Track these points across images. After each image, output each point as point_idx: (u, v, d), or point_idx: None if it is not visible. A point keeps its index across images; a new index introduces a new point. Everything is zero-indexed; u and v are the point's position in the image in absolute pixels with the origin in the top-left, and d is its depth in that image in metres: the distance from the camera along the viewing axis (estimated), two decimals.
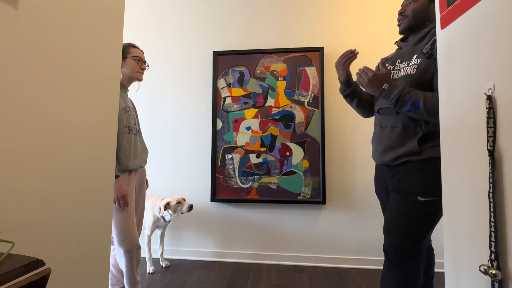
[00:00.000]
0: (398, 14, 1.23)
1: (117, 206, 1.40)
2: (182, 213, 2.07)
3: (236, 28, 2.45)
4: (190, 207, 2.03)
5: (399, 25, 1.23)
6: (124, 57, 1.51)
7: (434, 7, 1.14)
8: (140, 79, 1.58)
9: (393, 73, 1.20)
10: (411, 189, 1.08)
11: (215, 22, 2.47)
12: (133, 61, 1.53)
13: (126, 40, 2.40)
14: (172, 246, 2.39)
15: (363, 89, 1.18)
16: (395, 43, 1.29)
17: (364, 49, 2.32)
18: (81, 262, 0.83)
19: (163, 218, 2.04)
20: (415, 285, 1.06)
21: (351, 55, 1.21)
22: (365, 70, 1.14)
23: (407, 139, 1.11)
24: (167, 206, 2.00)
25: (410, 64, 1.12)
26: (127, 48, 1.54)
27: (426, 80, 1.06)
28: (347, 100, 1.36)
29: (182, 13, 2.51)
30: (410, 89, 1.05)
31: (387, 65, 1.27)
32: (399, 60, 1.19)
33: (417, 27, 1.18)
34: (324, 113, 2.26)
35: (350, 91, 1.31)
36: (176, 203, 2.02)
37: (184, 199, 2.07)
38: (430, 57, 1.06)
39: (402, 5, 1.23)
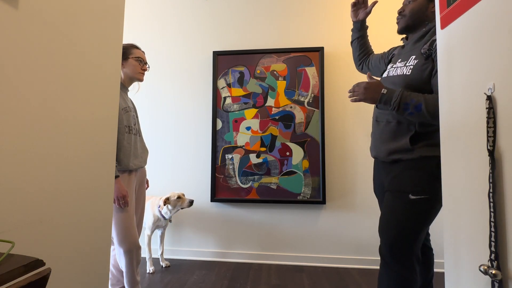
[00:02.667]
0: (398, 13, 1.23)
1: (117, 206, 1.40)
2: (182, 208, 2.07)
3: (236, 28, 2.45)
4: (191, 202, 2.03)
5: (397, 23, 1.24)
6: (126, 57, 1.52)
7: (433, 7, 1.15)
8: (141, 80, 1.59)
9: (391, 70, 1.21)
10: (403, 188, 1.09)
11: (215, 22, 2.47)
12: (135, 62, 1.54)
13: (126, 40, 2.41)
14: (172, 246, 2.39)
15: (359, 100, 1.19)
16: (401, 40, 1.30)
17: None
18: (81, 262, 0.83)
19: (163, 216, 2.03)
20: (411, 285, 1.06)
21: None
22: (356, 85, 1.16)
23: (400, 135, 1.12)
24: (166, 202, 2.00)
25: (407, 65, 1.12)
26: (129, 49, 1.54)
27: (421, 81, 1.06)
28: (353, 37, 1.56)
29: (182, 13, 2.51)
30: (409, 92, 1.05)
31: (391, 63, 1.28)
32: (399, 59, 1.20)
33: (414, 26, 1.18)
34: (324, 113, 2.26)
35: (358, 31, 1.52)
36: (176, 198, 2.01)
37: (184, 195, 2.07)
38: (428, 58, 1.06)
39: (403, 4, 1.24)
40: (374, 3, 1.41)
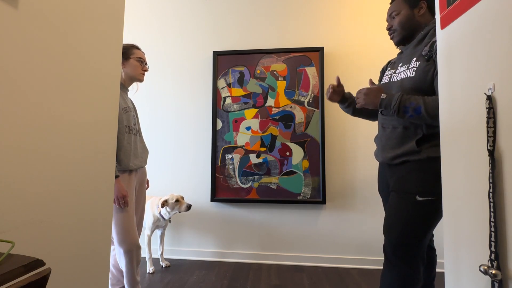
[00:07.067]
0: (387, 30, 1.25)
1: (117, 206, 1.40)
2: (180, 212, 2.07)
3: (236, 28, 2.45)
4: (189, 207, 2.02)
5: (391, 39, 1.25)
6: (127, 57, 1.53)
7: (419, 12, 1.16)
8: (141, 80, 1.60)
9: (394, 76, 1.21)
10: (409, 189, 1.09)
11: (215, 22, 2.47)
12: (136, 62, 1.55)
13: (126, 40, 2.40)
14: (172, 246, 2.39)
15: (361, 106, 1.20)
16: (397, 48, 1.30)
17: (364, 49, 2.32)
18: (81, 262, 0.83)
19: (162, 217, 2.03)
20: (414, 285, 1.06)
21: (331, 90, 1.33)
22: (358, 92, 1.18)
23: (407, 139, 1.11)
24: (164, 204, 2.00)
25: (410, 67, 1.12)
26: (130, 49, 1.55)
27: (426, 82, 1.06)
28: (350, 113, 1.43)
29: (182, 13, 2.51)
30: (409, 96, 1.06)
31: (389, 69, 1.29)
32: (400, 64, 1.20)
33: (410, 35, 1.19)
34: (324, 113, 2.26)
35: (347, 105, 1.39)
36: (175, 201, 2.01)
37: (183, 198, 2.07)
38: (429, 59, 1.06)
39: (387, 21, 1.26)
40: (338, 79, 1.33)
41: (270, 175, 2.30)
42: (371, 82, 1.20)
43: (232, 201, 2.32)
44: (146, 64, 1.60)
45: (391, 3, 1.24)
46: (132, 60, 1.54)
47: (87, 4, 0.85)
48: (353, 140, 2.28)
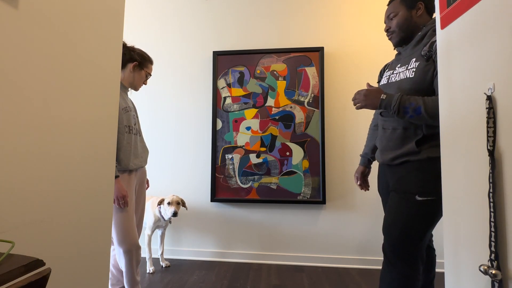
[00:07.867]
0: (385, 31, 1.25)
1: (117, 206, 1.40)
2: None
3: (236, 28, 2.45)
4: (173, 213, 1.95)
5: (390, 40, 1.25)
6: (142, 68, 1.59)
7: (417, 13, 1.16)
8: (137, 90, 1.65)
9: (392, 76, 1.21)
10: (409, 189, 1.09)
11: (215, 22, 2.47)
12: (144, 75, 1.62)
13: (126, 40, 2.40)
14: (172, 246, 2.39)
15: (360, 107, 1.21)
16: (394, 49, 1.30)
17: (364, 49, 2.32)
18: (81, 262, 0.83)
19: (163, 217, 2.03)
20: (414, 285, 1.06)
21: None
22: (357, 93, 1.18)
23: (407, 140, 1.12)
24: (160, 203, 2.02)
25: (409, 68, 1.12)
26: (147, 62, 1.62)
27: (425, 82, 1.06)
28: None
29: (182, 13, 2.51)
30: (409, 96, 1.06)
31: (387, 70, 1.29)
32: (399, 65, 1.20)
33: (408, 36, 1.19)
34: (324, 113, 2.26)
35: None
36: (167, 203, 2.00)
37: (179, 202, 2.02)
38: (429, 59, 1.06)
39: (385, 22, 1.25)
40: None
41: (270, 175, 2.30)
42: (368, 85, 1.20)
43: (232, 201, 2.32)
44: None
45: (388, 5, 1.24)
46: (143, 73, 1.60)
47: (87, 4, 0.85)
48: (353, 140, 2.28)
